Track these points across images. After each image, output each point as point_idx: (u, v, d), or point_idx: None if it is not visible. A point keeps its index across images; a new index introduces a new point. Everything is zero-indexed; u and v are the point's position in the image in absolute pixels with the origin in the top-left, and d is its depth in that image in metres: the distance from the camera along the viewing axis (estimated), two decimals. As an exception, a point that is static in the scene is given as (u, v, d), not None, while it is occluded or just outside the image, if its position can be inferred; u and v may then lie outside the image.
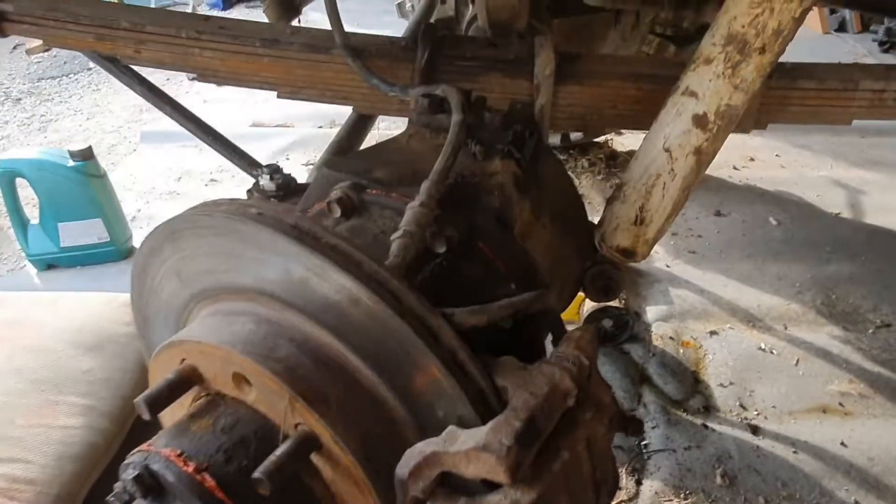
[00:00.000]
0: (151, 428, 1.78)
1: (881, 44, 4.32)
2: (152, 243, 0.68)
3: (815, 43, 4.34)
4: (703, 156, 0.93)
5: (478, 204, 0.75)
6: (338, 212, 0.78)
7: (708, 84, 0.89)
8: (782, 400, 1.89)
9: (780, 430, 1.80)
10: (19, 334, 1.80)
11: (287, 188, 0.95)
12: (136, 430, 1.74)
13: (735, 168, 3.02)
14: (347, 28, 1.05)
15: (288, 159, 3.21)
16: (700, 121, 0.90)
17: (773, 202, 2.78)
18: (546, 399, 0.54)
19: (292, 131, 3.36)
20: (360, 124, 1.32)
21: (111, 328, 1.87)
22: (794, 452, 1.73)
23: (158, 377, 0.63)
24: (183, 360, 0.63)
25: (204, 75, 1.08)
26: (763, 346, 2.05)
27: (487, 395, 0.56)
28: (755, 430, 1.79)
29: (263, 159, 3.26)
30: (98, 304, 1.95)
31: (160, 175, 3.08)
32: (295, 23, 1.64)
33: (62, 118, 3.75)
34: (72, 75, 4.36)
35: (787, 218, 2.68)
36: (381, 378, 0.57)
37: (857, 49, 4.35)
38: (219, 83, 1.08)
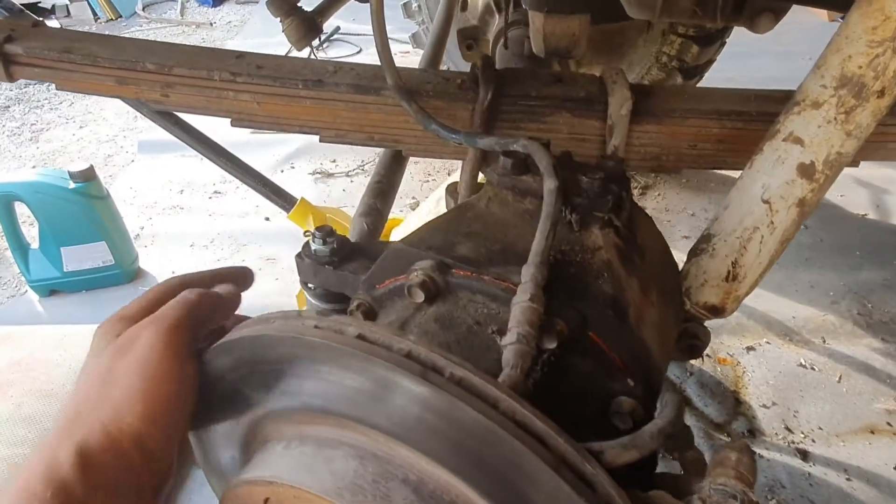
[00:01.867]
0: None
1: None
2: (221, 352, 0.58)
3: (820, 30, 4.25)
4: (807, 207, 0.84)
5: (587, 289, 0.65)
6: (420, 297, 0.68)
7: (816, 130, 0.80)
8: (828, 420, 1.83)
9: (829, 455, 1.73)
10: (28, 377, 1.69)
11: (342, 252, 0.85)
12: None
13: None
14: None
15: (293, 168, 3.10)
16: (806, 170, 0.81)
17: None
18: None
19: (295, 139, 3.24)
20: (396, 162, 1.22)
21: (125, 366, 1.77)
22: (848, 479, 1.67)
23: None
24: (267, 499, 0.54)
25: (239, 119, 0.98)
26: (803, 362, 1.99)
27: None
28: (804, 455, 1.73)
29: (267, 169, 3.15)
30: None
31: (161, 188, 2.96)
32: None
33: (54, 127, 3.60)
34: (75, 93, 4.20)
35: (813, 221, 2.62)
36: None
37: (866, 37, 4.27)
38: (255, 128, 0.98)
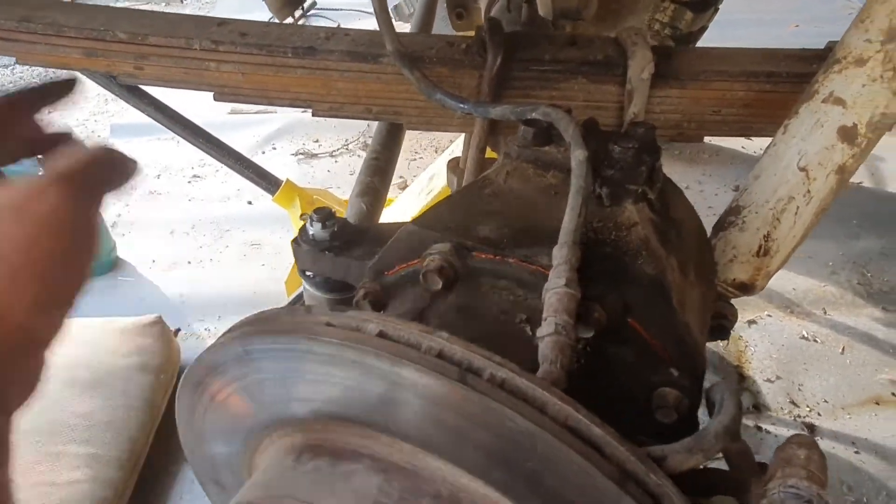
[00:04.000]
0: (164, 472, 1.61)
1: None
2: (216, 357, 0.51)
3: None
4: (846, 174, 0.78)
5: (625, 271, 0.59)
6: (438, 284, 0.61)
7: (860, 90, 0.74)
8: (833, 393, 1.80)
9: (836, 428, 1.71)
10: (3, 377, 1.60)
11: (343, 236, 0.78)
12: (147, 474, 1.58)
13: (748, 138, 2.90)
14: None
15: (275, 149, 2.99)
16: (847, 134, 0.75)
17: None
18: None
19: (275, 117, 3.12)
20: (392, 136, 1.14)
21: (109, 361, 1.68)
22: (856, 452, 1.64)
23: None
24: (280, 520, 0.47)
25: (222, 93, 0.89)
26: (805, 335, 1.95)
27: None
28: (811, 428, 1.70)
29: (247, 151, 3.04)
30: (92, 334, 1.75)
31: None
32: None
33: (20, 112, 3.44)
34: (38, 66, 4.02)
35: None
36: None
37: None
38: (241, 102, 0.90)
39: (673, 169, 2.79)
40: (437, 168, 1.95)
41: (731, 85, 0.86)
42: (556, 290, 0.53)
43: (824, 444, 1.67)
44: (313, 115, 0.90)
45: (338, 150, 2.93)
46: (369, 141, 3.10)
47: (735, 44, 0.84)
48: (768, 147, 0.83)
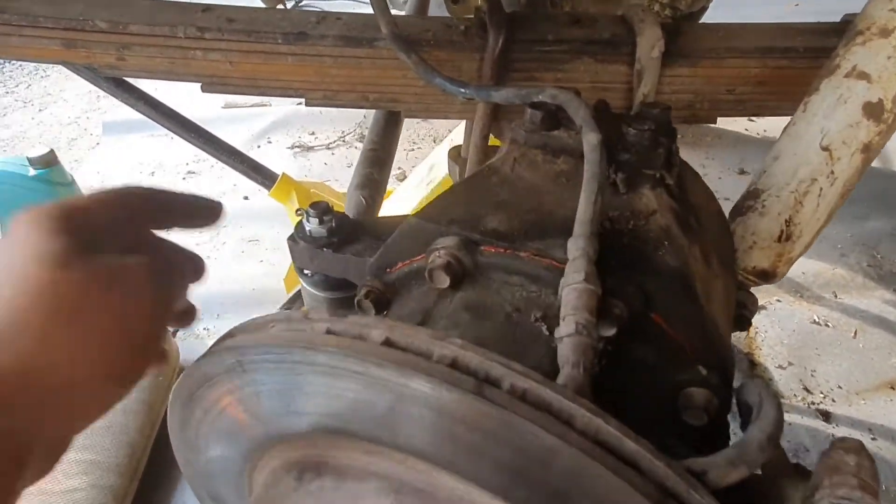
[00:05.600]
0: (165, 477, 1.57)
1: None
2: (208, 369, 0.47)
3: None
4: (872, 153, 0.73)
5: (647, 262, 0.54)
6: (445, 281, 0.57)
7: (885, 63, 0.69)
8: (847, 378, 1.76)
9: (851, 414, 1.67)
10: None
11: (342, 232, 0.74)
12: (148, 480, 1.54)
13: (751, 119, 2.84)
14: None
15: (270, 143, 2.95)
16: (873, 110, 0.71)
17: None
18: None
19: (270, 111, 3.07)
20: (390, 125, 1.10)
21: (104, 364, 1.64)
22: (873, 439, 1.61)
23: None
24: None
25: (210, 84, 0.84)
26: (816, 319, 1.91)
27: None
28: (826, 416, 1.66)
29: (242, 145, 2.99)
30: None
31: (131, 170, 2.79)
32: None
33: (11, 111, 3.38)
34: (14, 60, 3.95)
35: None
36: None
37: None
38: (230, 92, 0.85)
39: (675, 153, 2.75)
40: (436, 158, 1.90)
41: (746, 62, 0.82)
42: (574, 286, 0.49)
43: (840, 432, 1.63)
44: (306, 105, 0.86)
45: (334, 142, 2.88)
46: (366, 132, 3.05)
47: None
48: (787, 126, 0.78)
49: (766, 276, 0.81)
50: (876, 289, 2.02)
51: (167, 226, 0.53)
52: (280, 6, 1.33)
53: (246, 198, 2.58)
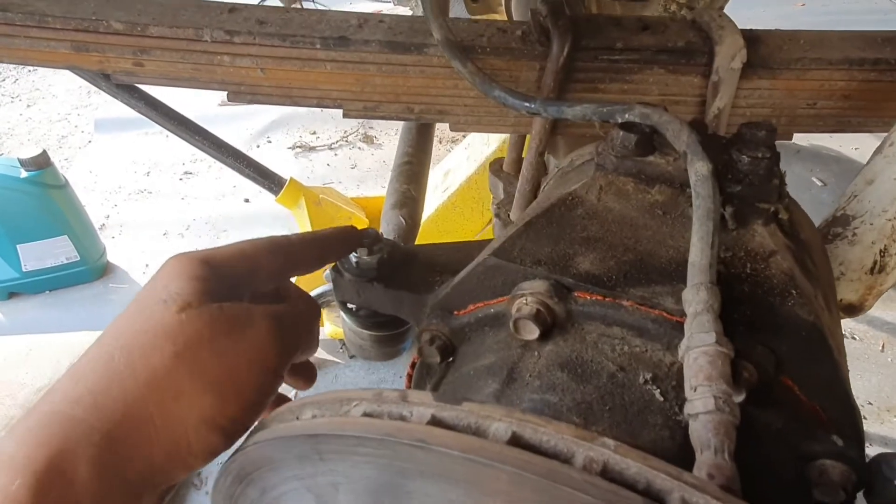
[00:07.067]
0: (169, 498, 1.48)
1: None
2: (273, 453, 0.39)
3: None
4: (981, 178, 0.66)
5: (774, 316, 0.47)
6: (535, 332, 0.49)
7: None
8: (877, 394, 1.71)
9: (883, 433, 1.62)
10: (-10, 402, 1.46)
11: (393, 262, 0.66)
12: None
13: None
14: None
15: (270, 142, 2.86)
16: None
17: (811, 160, 2.57)
18: None
19: (269, 108, 2.97)
20: (423, 135, 1.01)
21: (103, 382, 1.55)
22: (909, 459, 1.55)
23: None
24: None
25: (238, 93, 0.76)
26: (843, 331, 1.86)
27: None
28: (859, 434, 1.61)
29: (242, 145, 2.89)
30: (79, 350, 1.61)
31: (125, 170, 2.69)
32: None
33: (-2, 107, 3.26)
34: (19, 65, 3.82)
35: (831, 177, 2.49)
36: None
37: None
38: (260, 102, 0.77)
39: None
40: (452, 163, 1.82)
41: (831, 74, 0.74)
42: (704, 349, 0.42)
43: (874, 451, 1.58)
44: (344, 117, 0.78)
45: (337, 142, 2.79)
46: (369, 132, 2.96)
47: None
48: (882, 146, 0.71)
49: (853, 311, 0.75)
50: (901, 300, 1.97)
51: (305, 272, 0.55)
52: (296, 5, 1.24)
53: (247, 200, 2.49)
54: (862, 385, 1.72)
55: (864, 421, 1.59)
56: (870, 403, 1.68)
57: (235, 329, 0.42)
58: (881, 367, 1.77)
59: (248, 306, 0.44)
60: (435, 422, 0.33)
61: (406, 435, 0.32)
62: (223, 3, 0.76)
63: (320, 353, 1.81)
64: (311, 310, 0.54)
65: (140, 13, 0.72)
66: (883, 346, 1.82)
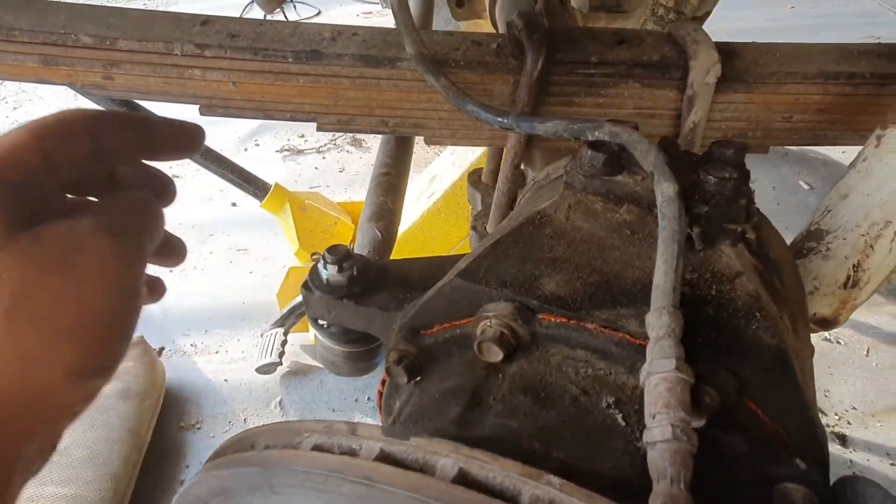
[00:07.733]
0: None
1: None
2: (227, 483, 0.38)
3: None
4: (953, 194, 0.66)
5: (738, 338, 0.47)
6: (497, 355, 0.49)
7: (977, 97, 0.62)
8: (861, 399, 1.72)
9: (868, 438, 1.62)
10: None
11: (364, 279, 0.65)
12: (133, 513, 1.45)
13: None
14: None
15: (258, 145, 2.84)
16: (959, 149, 0.63)
17: (798, 163, 2.58)
18: None
19: (258, 111, 2.95)
20: (403, 146, 1.01)
21: (85, 390, 1.54)
22: (892, 464, 1.56)
23: None
24: None
25: (210, 106, 0.75)
26: (828, 336, 1.86)
27: None
28: (843, 439, 1.61)
29: (229, 148, 2.87)
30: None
31: (111, 174, 2.67)
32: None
33: (-19, 110, 3.23)
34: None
35: (818, 180, 2.49)
36: None
37: None
38: (232, 116, 0.76)
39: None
40: (437, 169, 1.82)
41: (807, 88, 0.74)
42: (664, 376, 0.41)
43: (858, 457, 1.58)
44: (318, 130, 0.77)
45: (325, 145, 2.79)
46: (357, 136, 2.95)
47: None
48: (855, 162, 0.71)
49: (827, 325, 0.75)
50: (885, 304, 1.98)
51: (136, 160, 0.45)
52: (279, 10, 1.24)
53: (234, 204, 2.48)
54: (846, 390, 1.73)
55: (848, 426, 1.60)
56: (854, 408, 1.69)
57: (66, 259, 0.34)
58: (866, 371, 1.77)
59: (68, 225, 0.35)
60: (383, 456, 0.33)
61: (352, 472, 0.32)
62: (197, 15, 0.75)
63: (305, 360, 1.80)
64: (144, 184, 0.46)
65: (111, 27, 0.71)
66: (868, 351, 1.82)
